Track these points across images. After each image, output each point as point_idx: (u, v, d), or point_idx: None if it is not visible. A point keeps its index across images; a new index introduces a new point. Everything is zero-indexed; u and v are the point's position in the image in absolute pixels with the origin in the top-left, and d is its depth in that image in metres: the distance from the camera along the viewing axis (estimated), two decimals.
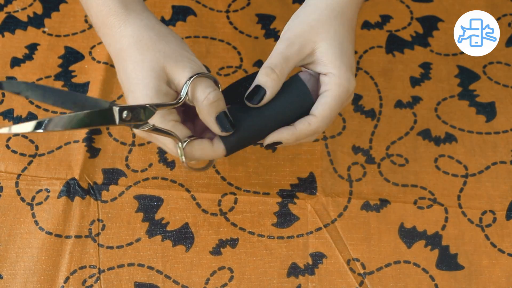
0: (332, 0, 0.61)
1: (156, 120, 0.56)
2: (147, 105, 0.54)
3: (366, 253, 0.67)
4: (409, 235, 0.69)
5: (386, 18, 0.83)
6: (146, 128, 0.55)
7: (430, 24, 0.83)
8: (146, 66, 0.57)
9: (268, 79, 0.58)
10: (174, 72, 0.57)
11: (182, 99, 0.56)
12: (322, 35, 0.59)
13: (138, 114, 0.54)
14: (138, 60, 0.57)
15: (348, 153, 0.73)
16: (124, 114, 0.53)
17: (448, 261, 0.67)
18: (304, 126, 0.58)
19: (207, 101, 0.56)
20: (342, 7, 0.61)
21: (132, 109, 0.53)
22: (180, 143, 0.57)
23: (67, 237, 0.68)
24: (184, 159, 0.57)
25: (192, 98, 0.57)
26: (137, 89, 0.56)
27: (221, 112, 0.57)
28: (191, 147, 0.58)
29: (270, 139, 0.59)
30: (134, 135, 0.74)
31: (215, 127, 0.57)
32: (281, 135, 0.59)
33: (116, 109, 0.53)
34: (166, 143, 0.58)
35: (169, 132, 0.56)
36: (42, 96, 0.52)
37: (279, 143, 0.59)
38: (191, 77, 0.56)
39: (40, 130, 0.49)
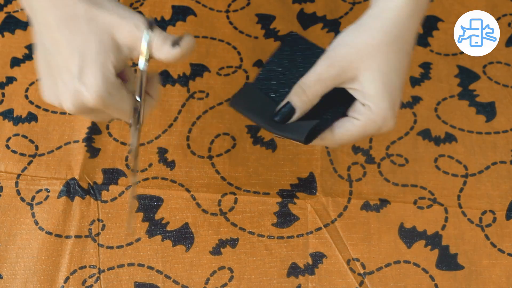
0: (390, 21, 0.54)
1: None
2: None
3: (366, 253, 0.68)
4: (409, 235, 0.69)
5: None
6: None
7: (430, 24, 0.83)
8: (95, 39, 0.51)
9: (298, 100, 0.56)
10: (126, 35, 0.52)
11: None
12: (368, 62, 0.54)
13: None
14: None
15: (348, 153, 0.73)
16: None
17: (448, 261, 0.67)
18: (317, 141, 0.58)
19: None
20: (400, 29, 0.54)
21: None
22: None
23: (67, 237, 0.68)
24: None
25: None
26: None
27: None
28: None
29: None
30: None
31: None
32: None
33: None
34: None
35: None
36: None
37: None
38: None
39: None
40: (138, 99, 0.54)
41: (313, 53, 0.58)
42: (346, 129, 0.56)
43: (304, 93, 0.55)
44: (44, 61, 0.53)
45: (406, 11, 0.54)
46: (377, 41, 0.54)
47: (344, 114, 0.56)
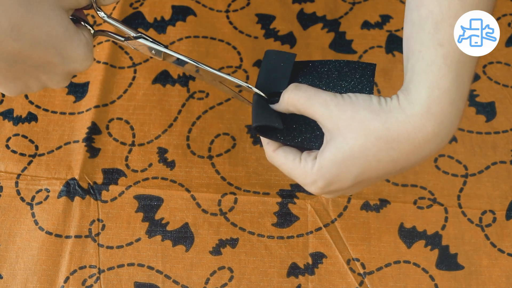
0: (397, 123, 0.49)
1: None
2: None
3: (366, 253, 0.67)
4: (409, 235, 0.69)
5: (386, 18, 0.83)
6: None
7: None
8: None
9: (283, 96, 0.54)
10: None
11: None
12: (350, 133, 0.50)
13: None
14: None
15: None
16: None
17: (448, 261, 0.67)
18: (263, 141, 0.56)
19: None
20: (402, 142, 0.49)
21: None
22: None
23: (67, 237, 0.68)
24: None
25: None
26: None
27: None
28: None
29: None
30: (134, 135, 0.74)
31: None
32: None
33: None
34: None
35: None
36: None
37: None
38: None
39: None
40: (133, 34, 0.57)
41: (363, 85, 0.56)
42: (285, 156, 0.54)
43: (290, 93, 0.53)
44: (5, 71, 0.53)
45: (416, 124, 0.49)
46: (372, 127, 0.49)
47: (305, 149, 0.54)
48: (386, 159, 0.50)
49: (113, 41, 0.80)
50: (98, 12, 0.55)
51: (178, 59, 0.57)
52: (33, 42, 0.50)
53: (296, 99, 0.52)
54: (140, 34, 0.57)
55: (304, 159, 0.53)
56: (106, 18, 0.56)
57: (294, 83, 0.54)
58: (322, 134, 0.53)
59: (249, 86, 0.56)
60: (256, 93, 0.56)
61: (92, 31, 0.55)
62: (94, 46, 0.80)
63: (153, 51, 0.57)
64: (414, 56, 0.50)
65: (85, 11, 0.57)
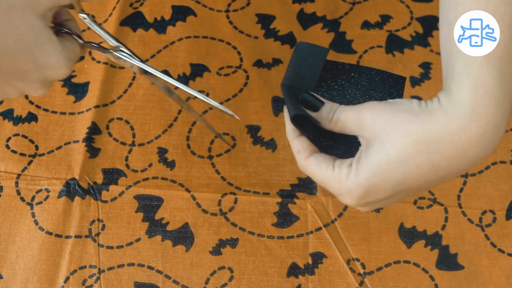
0: (443, 127, 0.46)
1: None
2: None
3: (366, 253, 0.68)
4: (409, 235, 0.69)
5: (386, 18, 0.83)
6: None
7: (430, 24, 0.83)
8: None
9: (325, 113, 0.51)
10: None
11: None
12: (390, 136, 0.47)
13: None
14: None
15: None
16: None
17: (448, 261, 0.67)
18: (294, 141, 0.53)
19: None
20: (440, 137, 0.46)
21: None
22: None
23: (67, 237, 0.68)
24: None
25: None
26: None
27: None
28: None
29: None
30: (134, 135, 0.74)
31: None
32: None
33: None
34: None
35: None
36: None
37: None
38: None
39: None
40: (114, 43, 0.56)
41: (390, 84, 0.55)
42: (318, 164, 0.51)
43: (332, 115, 0.51)
44: None
45: (460, 125, 0.46)
46: (411, 129, 0.47)
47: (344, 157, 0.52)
48: (426, 164, 0.46)
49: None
50: (79, 14, 0.54)
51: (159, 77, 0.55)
52: (1, 50, 0.48)
53: (336, 120, 0.50)
54: (119, 45, 0.55)
55: (338, 166, 0.49)
56: (87, 22, 0.54)
57: (332, 104, 0.52)
58: (355, 141, 0.51)
59: (226, 110, 0.55)
60: (284, 84, 0.54)
61: (81, 42, 0.54)
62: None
63: (129, 65, 0.55)
64: (453, 56, 0.48)
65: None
